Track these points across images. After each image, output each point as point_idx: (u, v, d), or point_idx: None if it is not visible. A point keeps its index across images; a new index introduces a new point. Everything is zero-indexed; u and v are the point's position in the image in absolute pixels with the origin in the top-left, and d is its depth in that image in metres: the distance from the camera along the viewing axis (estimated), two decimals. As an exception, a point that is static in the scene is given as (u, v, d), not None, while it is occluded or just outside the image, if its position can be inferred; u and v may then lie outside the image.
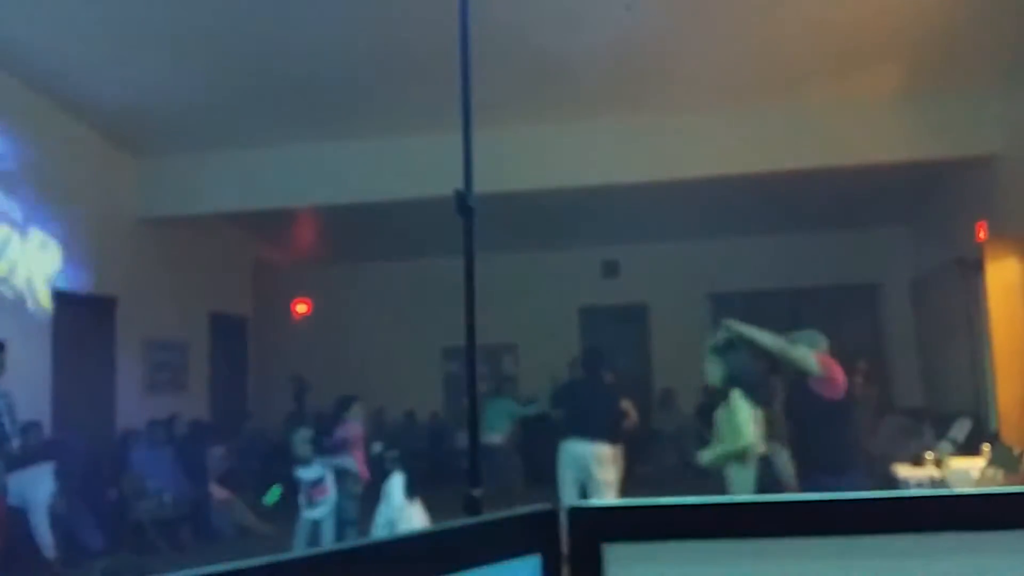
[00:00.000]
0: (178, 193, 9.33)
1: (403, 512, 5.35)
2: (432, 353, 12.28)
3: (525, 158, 8.37)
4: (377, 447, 6.52)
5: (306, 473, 6.13)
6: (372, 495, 6.01)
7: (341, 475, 6.20)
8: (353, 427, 6.40)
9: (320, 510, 6.07)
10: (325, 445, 6.31)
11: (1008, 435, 7.05)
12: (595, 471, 6.56)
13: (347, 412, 6.47)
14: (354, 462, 6.21)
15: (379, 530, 5.44)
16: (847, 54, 7.33)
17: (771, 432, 4.55)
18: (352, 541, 0.95)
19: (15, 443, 5.39)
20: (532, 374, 11.67)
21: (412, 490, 5.42)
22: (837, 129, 8.01)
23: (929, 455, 7.60)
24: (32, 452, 7.06)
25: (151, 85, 7.89)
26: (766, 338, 4.18)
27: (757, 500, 0.95)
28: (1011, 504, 0.91)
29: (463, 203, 2.25)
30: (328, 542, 5.76)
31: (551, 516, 0.99)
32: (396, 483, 5.49)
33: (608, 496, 6.51)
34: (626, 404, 7.14)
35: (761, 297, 11.61)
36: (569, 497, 6.66)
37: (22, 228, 7.63)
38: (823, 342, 4.31)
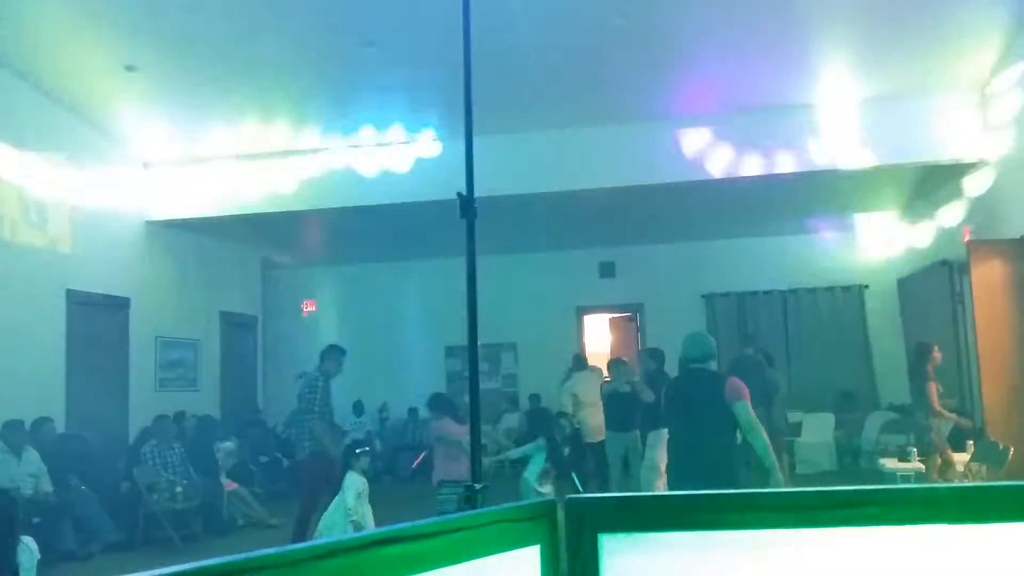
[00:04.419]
0: (188, 197, 9.52)
1: (353, 511, 5.46)
2: (435, 351, 12.47)
3: (526, 162, 8.58)
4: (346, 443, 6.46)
5: None
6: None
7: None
8: (447, 424, 6.10)
9: None
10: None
11: (992, 431, 7.16)
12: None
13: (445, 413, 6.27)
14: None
15: (325, 522, 5.58)
16: (835, 60, 7.52)
17: None
18: (353, 533, 0.88)
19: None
20: (532, 372, 11.89)
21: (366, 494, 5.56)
22: (826, 134, 8.22)
23: (915, 450, 7.80)
24: (45, 446, 7.27)
25: (163, 93, 8.10)
26: None
27: (749, 492, 0.96)
28: (995, 498, 0.91)
29: (465, 205, 2.20)
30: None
31: (550, 508, 1.00)
32: (353, 481, 5.55)
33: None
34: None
35: (753, 297, 11.86)
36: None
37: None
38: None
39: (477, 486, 2.09)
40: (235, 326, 11.43)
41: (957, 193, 8.82)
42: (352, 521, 5.47)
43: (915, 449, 7.80)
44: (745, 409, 4.23)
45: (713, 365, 4.49)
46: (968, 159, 8.10)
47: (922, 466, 7.45)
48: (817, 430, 10.31)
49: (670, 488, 4.25)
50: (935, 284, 9.46)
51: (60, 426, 7.82)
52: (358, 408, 12.17)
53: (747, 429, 4.31)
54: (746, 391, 4.28)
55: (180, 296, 10.08)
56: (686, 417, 4.26)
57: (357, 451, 5.89)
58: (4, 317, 7.44)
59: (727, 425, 4.22)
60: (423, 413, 12.35)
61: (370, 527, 5.36)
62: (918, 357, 7.46)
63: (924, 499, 0.93)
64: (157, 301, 9.59)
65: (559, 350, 11.82)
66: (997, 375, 7.36)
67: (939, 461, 7.26)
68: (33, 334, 7.82)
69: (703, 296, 12.02)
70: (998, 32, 7.04)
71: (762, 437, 4.30)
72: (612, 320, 13.27)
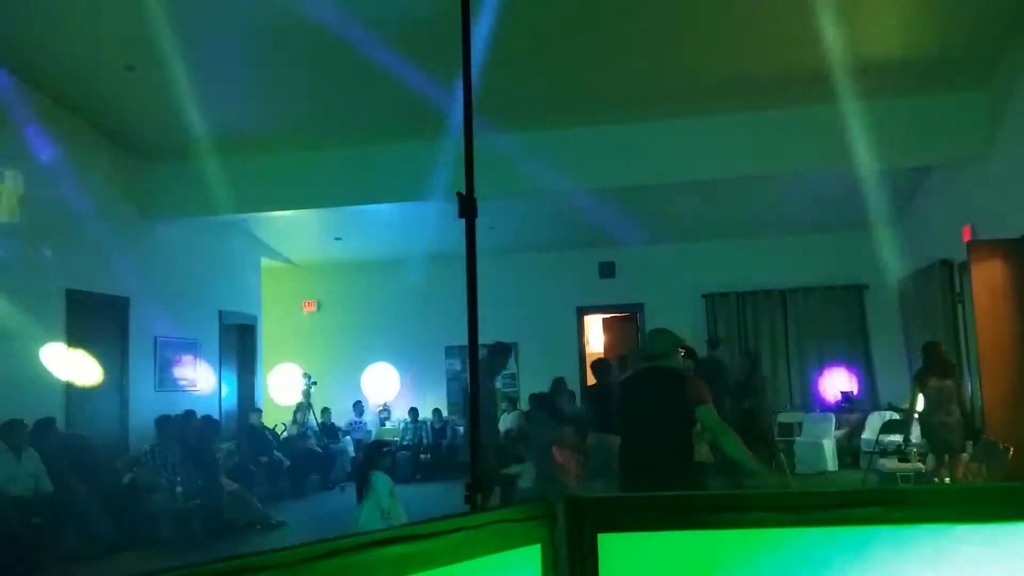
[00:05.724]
0: (189, 196, 9.53)
1: (389, 511, 5.44)
2: (435, 351, 12.48)
3: (526, 162, 8.59)
4: (367, 441, 6.50)
5: None
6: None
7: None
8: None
9: None
10: None
11: (992, 431, 7.19)
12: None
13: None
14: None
15: (361, 521, 5.51)
16: (837, 61, 7.50)
17: None
18: (356, 532, 0.94)
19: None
20: (532, 372, 11.88)
21: (393, 489, 5.55)
22: (825, 135, 8.22)
23: (915, 449, 7.82)
24: (45, 446, 7.25)
25: (164, 92, 8.08)
26: None
27: (749, 492, 0.95)
28: (995, 498, 0.91)
29: (465, 205, 2.15)
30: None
31: (550, 508, 1.00)
32: (383, 480, 5.57)
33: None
34: None
35: (752, 297, 11.87)
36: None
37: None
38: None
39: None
40: (235, 326, 11.41)
41: (957, 193, 8.81)
42: (388, 522, 5.45)
43: (914, 449, 7.82)
44: (708, 412, 4.04)
45: (674, 361, 4.32)
46: (968, 158, 8.09)
47: (922, 466, 7.45)
48: (817, 430, 10.30)
49: (621, 489, 4.11)
50: (935, 284, 9.46)
51: (60, 426, 7.81)
52: (358, 408, 12.19)
53: (717, 433, 4.12)
54: (707, 393, 4.09)
55: (180, 296, 10.06)
56: (642, 415, 4.10)
57: (384, 449, 5.86)
58: (4, 317, 7.44)
59: (685, 423, 4.05)
60: (423, 415, 12.40)
61: (404, 521, 5.37)
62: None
63: (924, 499, 0.93)
64: (157, 301, 9.58)
65: (559, 350, 11.84)
66: (997, 375, 7.34)
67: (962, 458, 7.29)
68: (33, 334, 7.82)
69: (703, 296, 12.02)
70: (998, 31, 7.05)
71: (733, 439, 4.07)
72: (605, 320, 13.28)
